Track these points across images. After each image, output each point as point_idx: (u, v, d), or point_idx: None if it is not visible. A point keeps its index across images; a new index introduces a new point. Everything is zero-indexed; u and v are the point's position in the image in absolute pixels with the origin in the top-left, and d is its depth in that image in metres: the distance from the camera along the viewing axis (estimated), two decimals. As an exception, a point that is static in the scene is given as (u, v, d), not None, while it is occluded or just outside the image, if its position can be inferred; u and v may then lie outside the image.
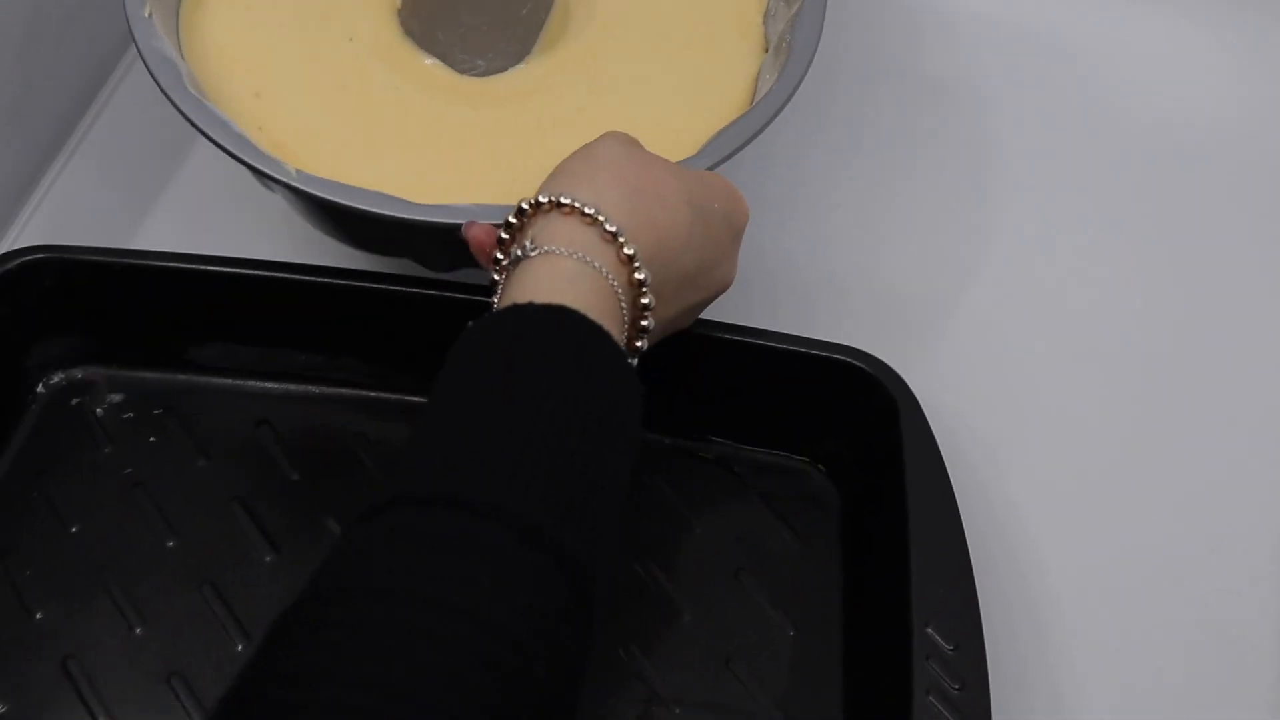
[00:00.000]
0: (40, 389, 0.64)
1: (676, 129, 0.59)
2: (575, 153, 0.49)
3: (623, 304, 0.45)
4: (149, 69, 0.55)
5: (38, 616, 0.56)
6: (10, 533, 0.59)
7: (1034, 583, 0.60)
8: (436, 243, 0.55)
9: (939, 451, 0.56)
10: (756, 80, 0.62)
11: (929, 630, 0.50)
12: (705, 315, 0.57)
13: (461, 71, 0.61)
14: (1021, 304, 0.71)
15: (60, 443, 0.62)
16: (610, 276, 0.45)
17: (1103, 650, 0.58)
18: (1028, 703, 0.56)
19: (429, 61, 0.62)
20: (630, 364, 0.46)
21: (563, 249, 0.45)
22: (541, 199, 0.46)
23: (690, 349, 0.55)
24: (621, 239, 0.45)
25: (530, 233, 0.46)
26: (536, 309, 0.43)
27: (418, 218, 0.51)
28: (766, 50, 0.63)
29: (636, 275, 0.46)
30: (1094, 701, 0.57)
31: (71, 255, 0.61)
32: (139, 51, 0.56)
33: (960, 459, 0.60)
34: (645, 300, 0.46)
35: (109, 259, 0.61)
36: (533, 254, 0.45)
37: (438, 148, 0.59)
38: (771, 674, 0.56)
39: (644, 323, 0.47)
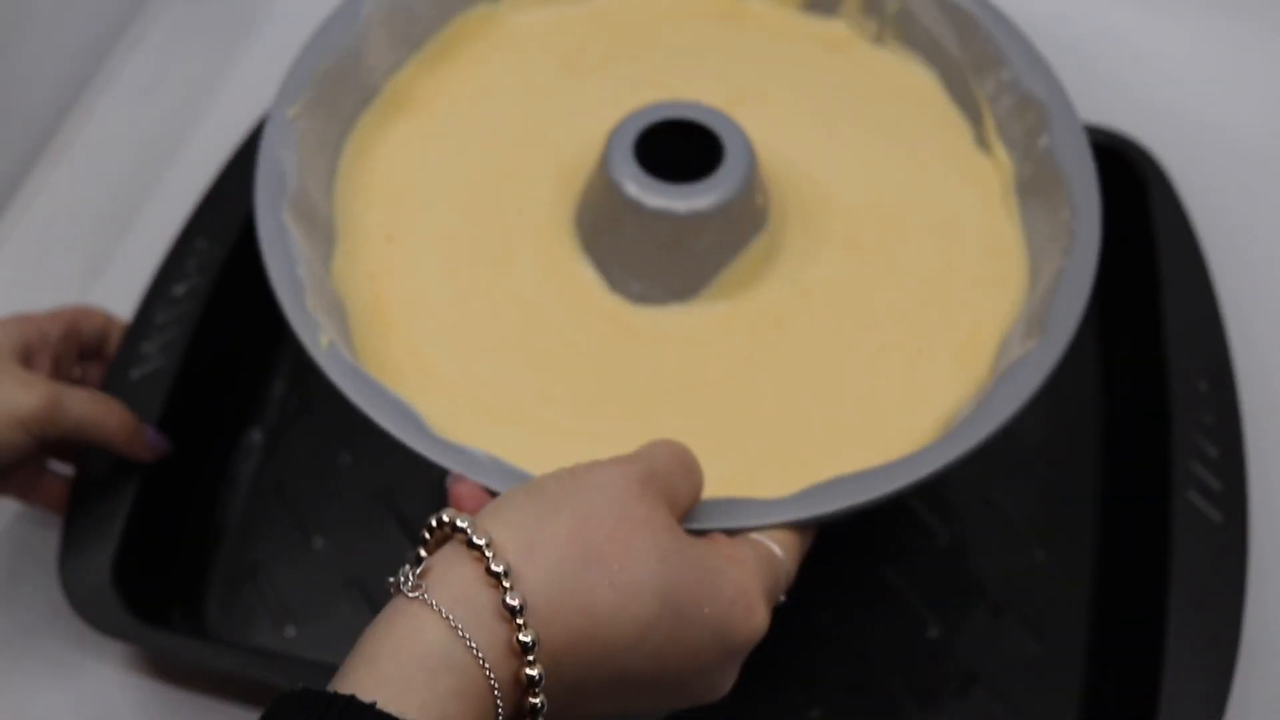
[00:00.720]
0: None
1: (804, 456, 0.46)
2: (566, 470, 0.38)
3: (499, 704, 0.34)
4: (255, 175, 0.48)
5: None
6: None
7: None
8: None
9: (1191, 227, 0.57)
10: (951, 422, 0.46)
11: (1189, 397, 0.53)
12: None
13: (613, 288, 0.50)
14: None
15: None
16: (489, 669, 0.33)
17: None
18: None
19: (583, 263, 0.50)
20: None
21: (444, 605, 0.34)
22: (460, 524, 0.35)
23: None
24: (520, 619, 0.34)
25: (432, 558, 0.36)
26: None
27: (412, 445, 0.42)
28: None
29: (527, 670, 0.34)
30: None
31: None
32: (258, 157, 0.48)
33: (1219, 241, 0.61)
34: (535, 701, 0.34)
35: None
36: (411, 593, 0.34)
37: (543, 363, 0.48)
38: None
39: None
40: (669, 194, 0.47)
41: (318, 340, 0.44)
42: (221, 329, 0.58)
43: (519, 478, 0.41)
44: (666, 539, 0.37)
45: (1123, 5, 0.73)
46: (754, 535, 0.41)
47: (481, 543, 0.34)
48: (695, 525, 0.40)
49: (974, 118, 0.53)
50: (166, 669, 0.54)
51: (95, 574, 0.51)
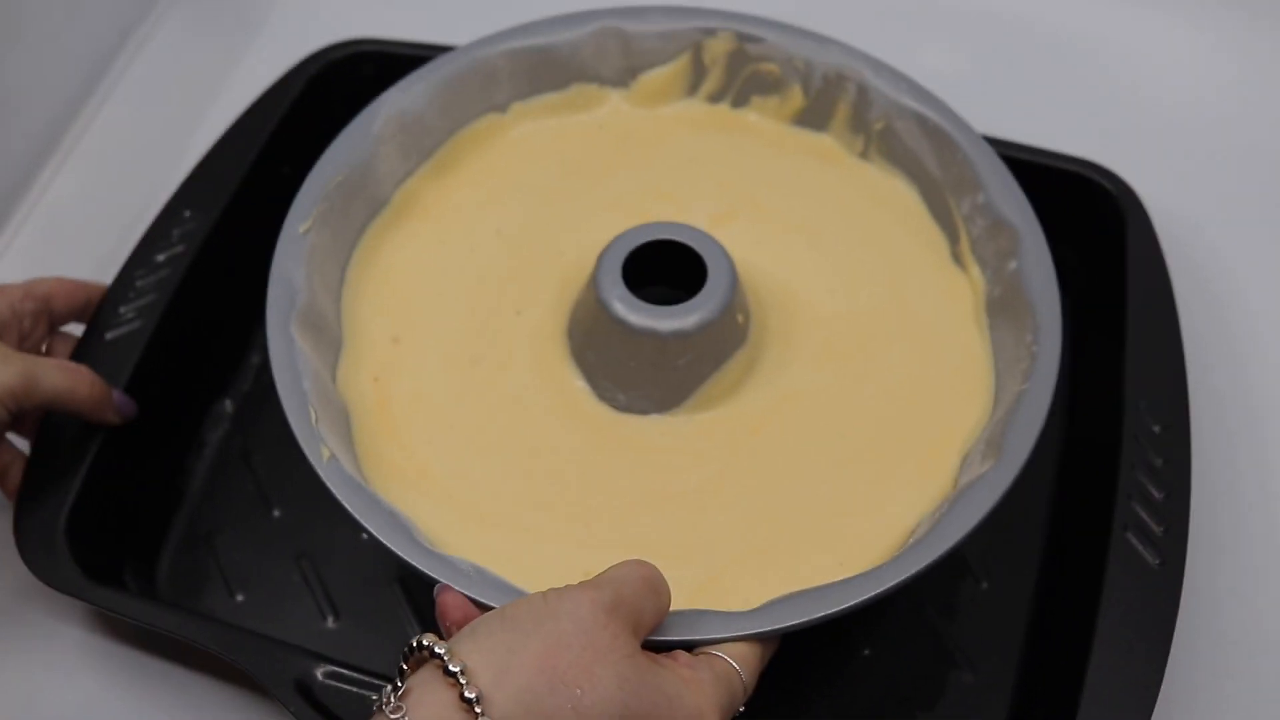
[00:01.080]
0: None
1: (775, 563, 0.49)
2: (539, 595, 0.41)
3: None
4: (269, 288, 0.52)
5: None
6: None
7: (1253, 390, 0.62)
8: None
9: (1165, 267, 0.58)
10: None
11: (1141, 410, 0.54)
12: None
13: (600, 397, 0.53)
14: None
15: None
16: None
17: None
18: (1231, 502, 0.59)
19: (573, 372, 0.53)
20: None
21: None
22: (438, 650, 0.38)
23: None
24: None
25: (412, 678, 0.39)
26: None
27: (402, 554, 0.45)
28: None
29: None
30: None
31: (390, 48, 0.67)
32: (270, 273, 0.52)
33: (1188, 265, 0.63)
34: None
35: (423, 53, 0.64)
36: (392, 714, 0.37)
37: (530, 469, 0.51)
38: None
39: None
40: (653, 315, 0.50)
41: (320, 454, 0.47)
42: (201, 298, 0.59)
43: (500, 587, 0.44)
44: (627, 666, 0.40)
45: (1112, 28, 0.75)
46: (714, 651, 0.44)
47: (456, 670, 0.37)
48: (659, 638, 0.43)
49: (951, 234, 0.56)
50: (127, 632, 0.55)
51: (48, 527, 0.52)
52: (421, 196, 0.57)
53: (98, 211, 0.69)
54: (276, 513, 0.58)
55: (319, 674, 0.48)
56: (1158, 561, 0.50)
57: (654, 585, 0.43)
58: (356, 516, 0.45)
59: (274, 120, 0.63)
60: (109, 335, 0.56)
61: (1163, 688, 0.47)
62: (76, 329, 0.58)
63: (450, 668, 0.38)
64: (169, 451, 0.60)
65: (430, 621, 0.49)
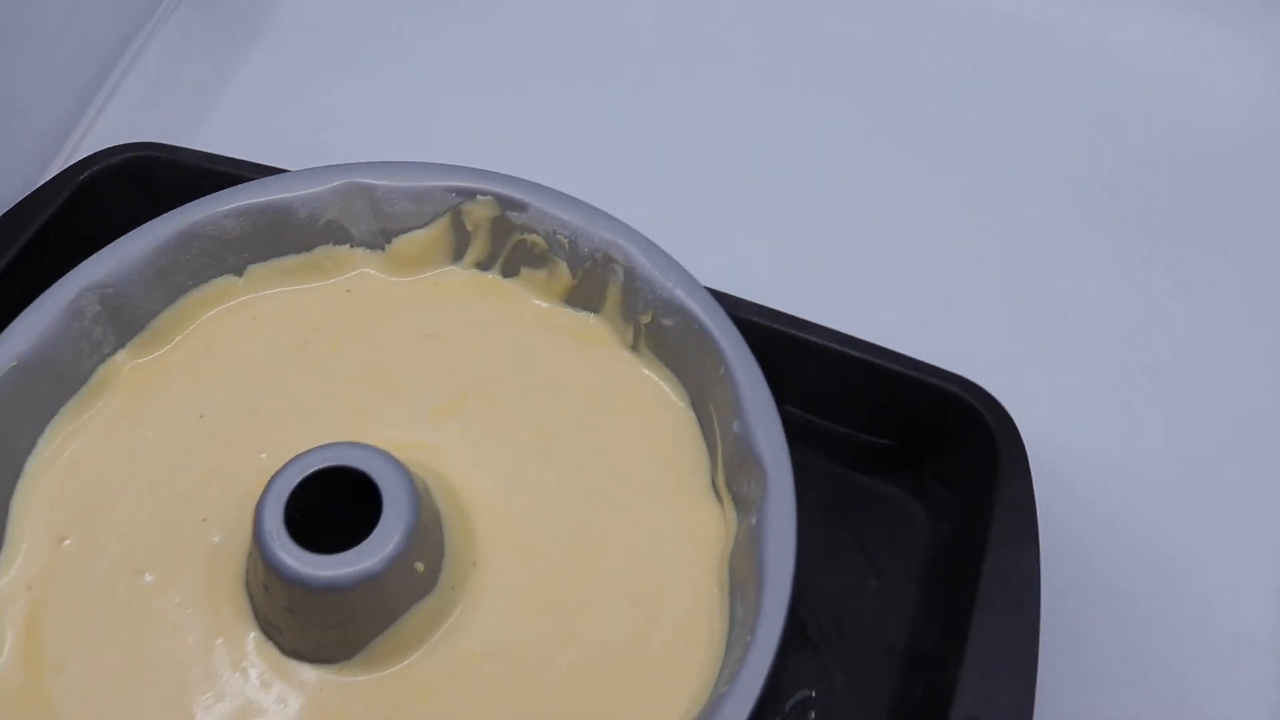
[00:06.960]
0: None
1: None
2: None
3: None
4: None
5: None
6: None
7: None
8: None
9: (1035, 519, 0.51)
10: None
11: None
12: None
13: (266, 634, 0.46)
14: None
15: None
16: None
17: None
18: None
19: (244, 600, 0.47)
20: None
21: None
22: None
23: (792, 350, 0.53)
24: None
25: None
26: None
27: None
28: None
29: None
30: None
31: (179, 157, 0.61)
32: None
33: (1058, 483, 0.57)
34: None
35: (215, 165, 0.59)
36: None
37: (165, 702, 0.44)
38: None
39: None
40: (310, 564, 0.43)
41: None
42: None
43: None
44: None
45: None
46: None
47: None
48: None
49: (714, 458, 0.48)
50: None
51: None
52: (126, 373, 0.51)
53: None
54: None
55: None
56: None
57: None
58: None
59: (30, 230, 0.57)
60: None
61: None
62: None
63: None
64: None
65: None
